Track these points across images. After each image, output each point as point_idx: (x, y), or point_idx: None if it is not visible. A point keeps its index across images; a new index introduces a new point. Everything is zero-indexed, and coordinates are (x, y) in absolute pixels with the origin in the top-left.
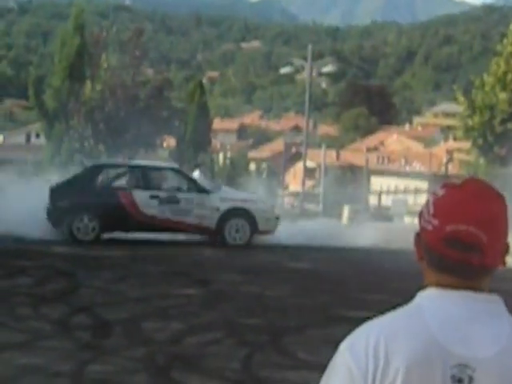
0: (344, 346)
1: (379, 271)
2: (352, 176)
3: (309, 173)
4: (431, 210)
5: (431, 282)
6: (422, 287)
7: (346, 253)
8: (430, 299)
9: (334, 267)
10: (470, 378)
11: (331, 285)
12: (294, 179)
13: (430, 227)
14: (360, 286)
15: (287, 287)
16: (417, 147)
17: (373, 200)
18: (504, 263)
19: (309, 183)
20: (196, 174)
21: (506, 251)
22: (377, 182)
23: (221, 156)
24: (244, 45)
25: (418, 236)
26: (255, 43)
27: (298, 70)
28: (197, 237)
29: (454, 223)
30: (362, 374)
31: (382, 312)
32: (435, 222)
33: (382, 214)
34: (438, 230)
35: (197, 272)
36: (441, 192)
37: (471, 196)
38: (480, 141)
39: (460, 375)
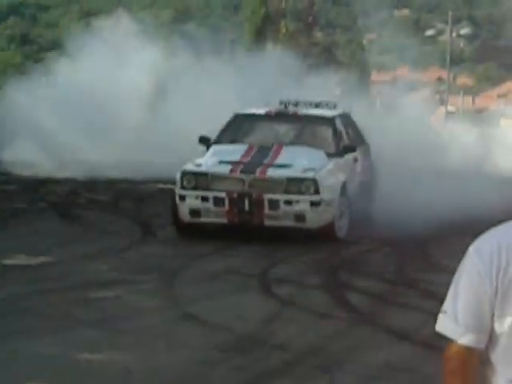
0: (472, 249)
1: None
2: (485, 117)
3: (449, 115)
4: None
5: None
6: None
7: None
8: None
9: None
10: None
11: None
12: (437, 120)
13: None
14: None
15: None
16: None
17: None
18: None
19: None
20: None
21: None
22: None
23: (378, 103)
24: (396, 12)
25: None
26: (405, 11)
27: (440, 33)
28: None
29: None
30: (487, 273)
31: None
32: None
33: None
34: None
35: None
36: None
37: None
38: None
39: None
